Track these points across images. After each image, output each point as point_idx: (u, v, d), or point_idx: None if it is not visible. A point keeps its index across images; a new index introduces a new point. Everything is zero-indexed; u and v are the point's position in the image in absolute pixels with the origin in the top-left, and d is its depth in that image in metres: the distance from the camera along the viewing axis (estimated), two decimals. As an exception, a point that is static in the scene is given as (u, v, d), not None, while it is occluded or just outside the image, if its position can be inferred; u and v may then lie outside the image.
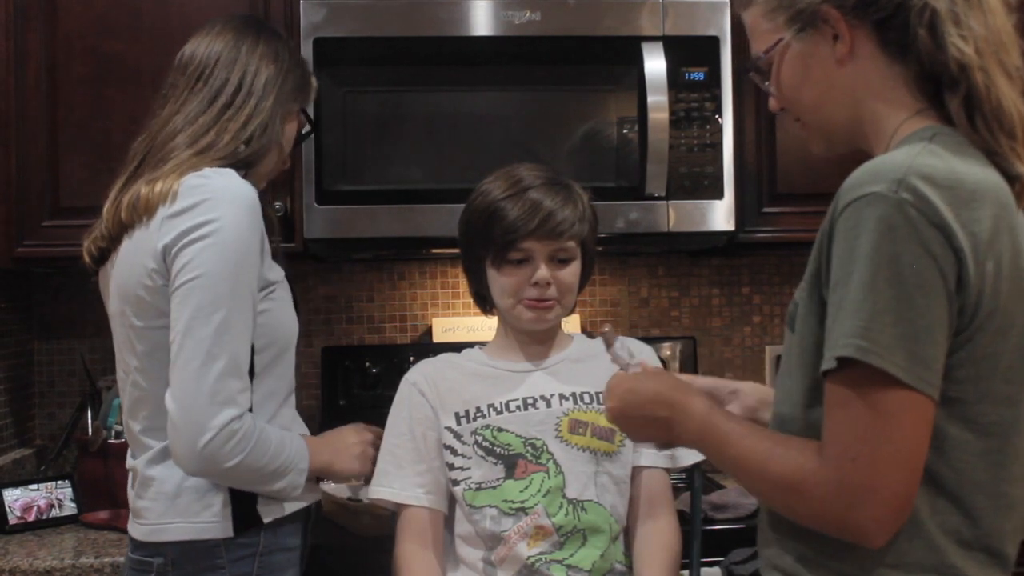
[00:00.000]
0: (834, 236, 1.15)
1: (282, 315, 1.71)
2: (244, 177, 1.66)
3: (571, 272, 1.78)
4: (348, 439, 1.79)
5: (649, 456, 1.80)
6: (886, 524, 1.14)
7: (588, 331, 2.56)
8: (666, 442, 1.39)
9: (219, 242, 1.57)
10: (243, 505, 1.63)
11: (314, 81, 1.88)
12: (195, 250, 1.57)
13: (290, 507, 1.69)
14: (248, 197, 1.61)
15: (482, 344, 1.90)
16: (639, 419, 1.39)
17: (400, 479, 1.76)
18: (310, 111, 1.91)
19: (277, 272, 1.71)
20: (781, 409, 1.29)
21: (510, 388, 1.79)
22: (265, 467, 1.60)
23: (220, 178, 1.62)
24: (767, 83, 1.35)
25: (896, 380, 1.10)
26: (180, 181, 1.61)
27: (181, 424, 1.54)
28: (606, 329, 1.56)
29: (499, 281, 1.78)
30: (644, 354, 1.83)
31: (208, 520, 1.62)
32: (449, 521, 1.79)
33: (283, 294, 1.72)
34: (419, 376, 1.82)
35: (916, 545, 1.16)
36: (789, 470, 1.17)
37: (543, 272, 1.75)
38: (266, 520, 1.65)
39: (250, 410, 1.59)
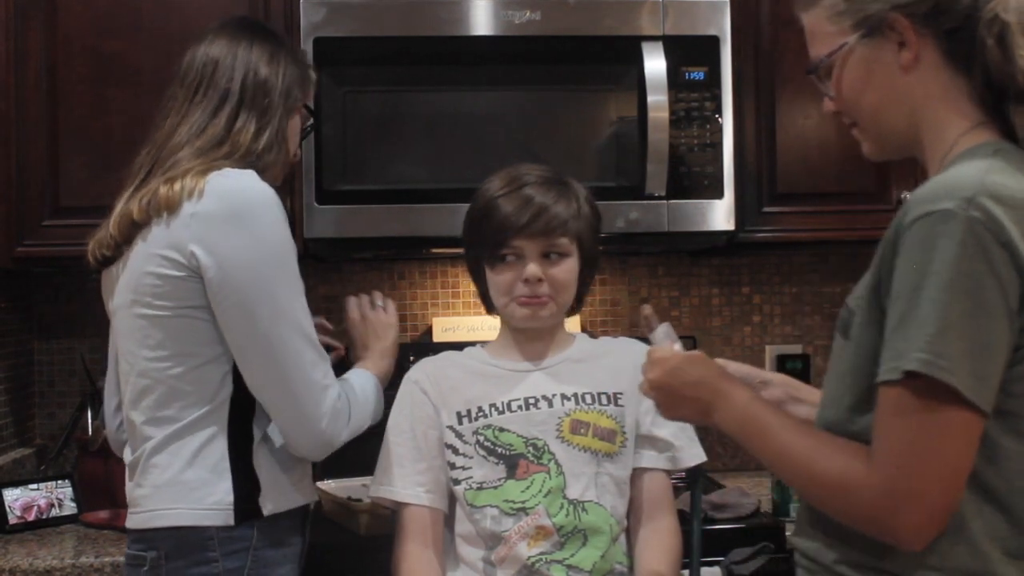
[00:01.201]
0: (899, 248, 1.16)
1: None
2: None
3: (565, 269, 1.78)
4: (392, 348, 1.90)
5: (650, 458, 1.80)
6: (924, 531, 1.16)
7: (589, 331, 2.56)
8: (699, 422, 1.44)
9: (266, 240, 1.61)
10: (246, 496, 1.64)
11: (313, 74, 1.88)
12: (244, 251, 1.60)
13: (291, 502, 1.69)
14: (275, 195, 1.65)
15: (484, 343, 1.90)
16: (679, 397, 1.43)
17: (401, 478, 1.76)
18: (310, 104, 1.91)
19: None
20: (826, 413, 1.30)
21: (511, 387, 1.79)
22: (363, 423, 1.73)
23: (246, 178, 1.64)
24: (827, 86, 1.35)
25: (958, 395, 1.12)
26: (204, 179, 1.62)
27: (298, 423, 1.64)
28: (647, 312, 1.58)
29: (494, 279, 1.78)
30: None
31: (210, 507, 1.62)
32: (449, 520, 1.78)
33: None
34: (421, 374, 1.82)
35: (960, 550, 1.18)
36: (836, 470, 1.20)
37: (532, 269, 1.74)
38: (265, 513, 1.65)
39: None
